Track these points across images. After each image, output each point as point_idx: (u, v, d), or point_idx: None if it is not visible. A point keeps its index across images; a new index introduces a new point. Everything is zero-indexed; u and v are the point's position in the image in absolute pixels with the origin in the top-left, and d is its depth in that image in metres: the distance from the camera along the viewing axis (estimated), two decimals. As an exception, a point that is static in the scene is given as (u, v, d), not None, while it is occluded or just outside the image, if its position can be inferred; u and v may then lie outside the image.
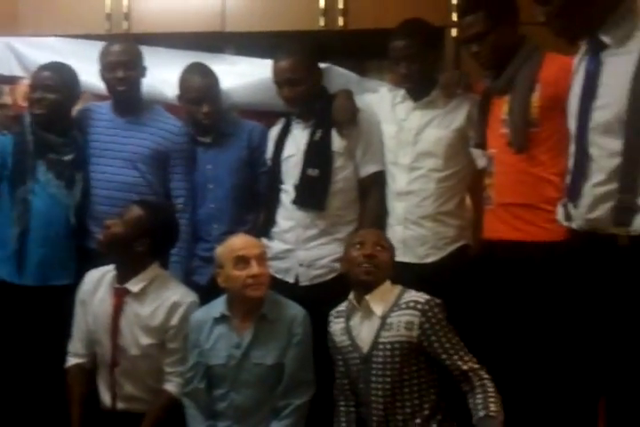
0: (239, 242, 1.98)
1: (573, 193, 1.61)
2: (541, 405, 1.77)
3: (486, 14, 1.90)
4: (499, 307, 1.89)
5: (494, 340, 1.90)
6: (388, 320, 1.81)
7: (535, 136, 1.84)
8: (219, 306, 1.99)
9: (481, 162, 2.05)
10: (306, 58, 2.23)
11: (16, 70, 2.53)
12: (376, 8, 2.49)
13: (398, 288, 1.88)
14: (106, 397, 2.04)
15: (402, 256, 2.03)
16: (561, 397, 1.72)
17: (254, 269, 1.90)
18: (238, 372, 1.91)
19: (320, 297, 2.09)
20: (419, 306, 1.79)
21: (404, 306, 1.81)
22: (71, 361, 2.08)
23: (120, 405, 2.02)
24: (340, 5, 2.50)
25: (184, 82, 2.34)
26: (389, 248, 1.92)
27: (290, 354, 1.92)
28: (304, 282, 2.19)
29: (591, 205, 1.54)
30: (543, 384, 1.77)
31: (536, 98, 1.85)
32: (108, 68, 2.29)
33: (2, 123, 2.29)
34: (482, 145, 2.03)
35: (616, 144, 1.49)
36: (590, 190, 1.55)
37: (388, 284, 1.88)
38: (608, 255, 1.54)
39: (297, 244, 2.20)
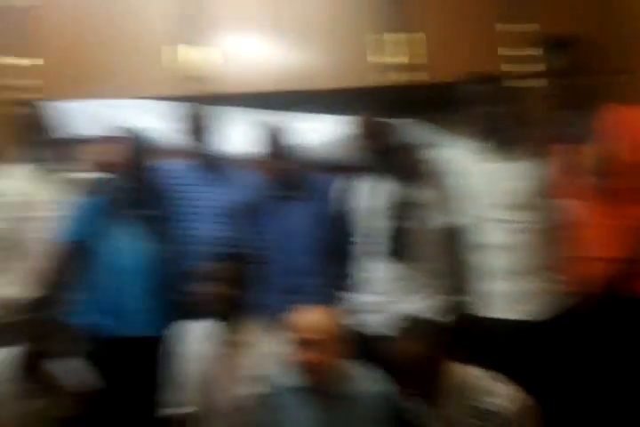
0: (299, 322, 1.92)
1: None
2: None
3: None
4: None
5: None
6: None
7: None
8: (295, 375, 1.91)
9: (563, 213, 2.03)
10: (385, 112, 2.29)
11: (107, 131, 2.64)
12: (452, 62, 2.55)
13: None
14: None
15: (501, 313, 2.00)
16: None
17: (303, 355, 1.84)
18: None
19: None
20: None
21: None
22: (169, 410, 2.10)
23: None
24: (424, 60, 2.56)
25: (262, 139, 2.41)
26: None
27: None
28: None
29: None
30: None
31: None
32: (192, 132, 2.42)
33: (86, 186, 2.40)
34: (563, 196, 2.01)
35: None
36: None
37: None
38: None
39: (388, 296, 2.19)
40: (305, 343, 1.84)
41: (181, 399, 2.10)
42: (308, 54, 2.71)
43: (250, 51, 2.76)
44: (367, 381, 1.89)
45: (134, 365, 2.19)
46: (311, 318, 1.91)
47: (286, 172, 2.37)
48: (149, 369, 2.17)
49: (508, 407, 1.63)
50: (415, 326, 1.75)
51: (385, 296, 2.20)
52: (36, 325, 1.91)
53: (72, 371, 2.01)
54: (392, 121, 2.32)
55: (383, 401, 1.83)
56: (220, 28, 2.78)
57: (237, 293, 2.03)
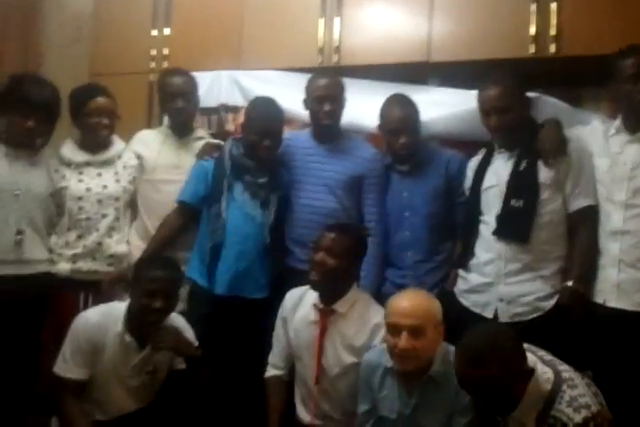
0: (397, 306, 1.84)
1: None
2: None
3: None
4: None
5: None
6: None
7: None
8: (389, 356, 1.88)
9: None
10: (515, 86, 2.17)
11: (239, 101, 2.77)
12: (591, 34, 2.37)
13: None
14: (302, 412, 2.12)
15: (615, 302, 1.87)
16: None
17: (402, 342, 1.78)
18: None
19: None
20: None
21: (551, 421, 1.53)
22: (270, 372, 2.20)
23: (317, 422, 2.08)
24: (553, 32, 2.40)
25: (384, 112, 2.40)
26: None
27: (456, 425, 1.78)
28: (503, 319, 2.09)
29: None
30: None
31: None
32: (315, 102, 2.42)
33: (206, 150, 2.50)
34: None
35: None
36: None
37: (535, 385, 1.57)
38: None
39: (497, 277, 2.11)
40: (399, 329, 1.80)
41: (280, 363, 2.19)
42: (445, 25, 2.61)
43: (385, 23, 2.72)
44: None
45: (239, 325, 2.29)
46: (407, 303, 1.85)
47: (406, 145, 2.33)
48: (254, 330, 2.28)
49: (583, 420, 1.49)
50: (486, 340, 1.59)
51: (493, 277, 2.12)
52: (156, 281, 2.03)
53: (186, 326, 2.16)
54: (523, 95, 2.20)
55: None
56: (359, 0, 2.76)
57: (344, 264, 2.05)
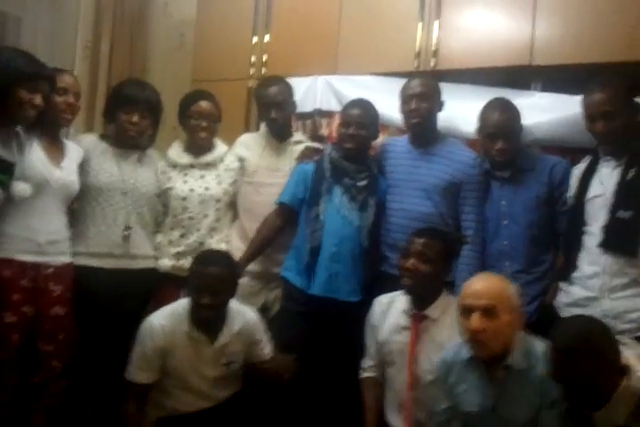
0: (469, 287, 1.81)
1: None
2: None
3: None
4: None
5: None
6: None
7: None
8: (467, 346, 1.84)
9: None
10: (623, 90, 2.07)
11: (334, 106, 2.80)
12: None
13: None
14: (395, 419, 2.10)
15: None
16: None
17: (473, 322, 1.74)
18: (489, 424, 1.80)
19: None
20: None
21: None
22: (364, 374, 2.22)
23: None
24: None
25: (483, 116, 2.34)
26: None
27: (545, 418, 1.71)
28: (609, 335, 2.00)
29: None
30: None
31: None
32: (404, 102, 2.40)
33: (306, 154, 2.54)
34: None
35: None
36: None
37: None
38: None
39: (601, 292, 2.02)
40: (471, 310, 1.76)
41: (373, 367, 2.19)
42: (549, 27, 2.53)
43: (485, 26, 2.67)
44: (538, 357, 1.74)
45: (332, 326, 2.31)
46: (480, 284, 1.81)
47: (503, 151, 2.27)
48: (345, 333, 2.29)
49: None
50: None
51: (597, 292, 2.03)
52: (202, 277, 2.04)
53: (256, 320, 2.21)
54: (632, 100, 2.10)
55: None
56: (458, 4, 2.72)
57: (437, 269, 2.03)
